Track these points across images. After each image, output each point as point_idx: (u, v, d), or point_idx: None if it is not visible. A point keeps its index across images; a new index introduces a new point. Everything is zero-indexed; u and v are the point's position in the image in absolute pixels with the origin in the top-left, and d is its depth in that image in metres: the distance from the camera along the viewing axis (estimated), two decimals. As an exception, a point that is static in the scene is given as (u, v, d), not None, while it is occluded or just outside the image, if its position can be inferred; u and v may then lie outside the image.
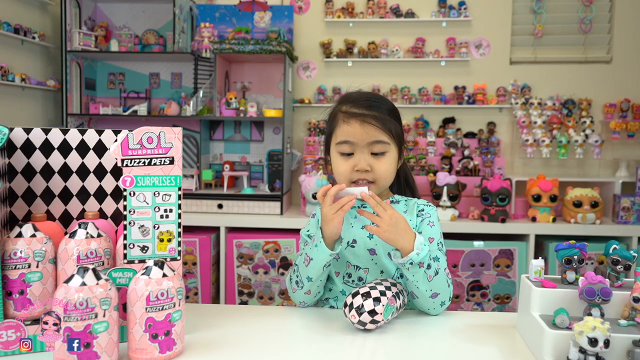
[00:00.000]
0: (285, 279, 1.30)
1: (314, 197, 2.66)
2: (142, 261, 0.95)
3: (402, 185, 1.33)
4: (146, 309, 0.84)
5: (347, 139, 1.17)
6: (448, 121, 3.13)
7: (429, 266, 1.08)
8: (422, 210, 1.22)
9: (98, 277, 0.82)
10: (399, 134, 1.20)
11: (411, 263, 1.06)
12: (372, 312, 1.00)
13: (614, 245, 0.98)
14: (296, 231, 2.68)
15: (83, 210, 1.04)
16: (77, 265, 0.91)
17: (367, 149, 1.17)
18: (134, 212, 0.94)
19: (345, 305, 1.03)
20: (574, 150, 2.98)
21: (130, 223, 0.94)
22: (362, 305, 1.00)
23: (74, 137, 1.03)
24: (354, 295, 1.03)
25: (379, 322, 1.01)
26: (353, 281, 1.20)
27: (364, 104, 1.19)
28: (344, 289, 1.21)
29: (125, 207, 0.94)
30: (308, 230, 1.26)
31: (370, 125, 1.16)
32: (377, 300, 1.01)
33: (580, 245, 0.99)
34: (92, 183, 1.04)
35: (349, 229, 1.21)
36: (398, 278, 1.19)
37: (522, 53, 3.16)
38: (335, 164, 1.22)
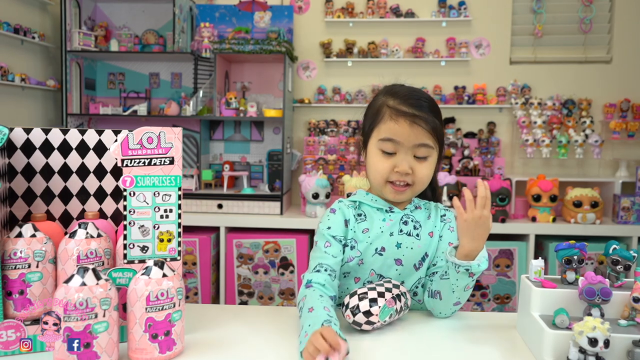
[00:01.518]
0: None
1: (314, 197, 2.66)
2: (142, 261, 0.95)
3: (426, 188, 1.25)
4: (146, 309, 0.84)
5: (392, 137, 1.11)
6: (448, 121, 3.12)
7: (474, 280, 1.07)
8: (444, 215, 1.22)
9: (98, 277, 0.82)
10: (442, 139, 1.16)
11: (466, 269, 1.03)
12: (367, 313, 1.00)
13: (614, 245, 0.98)
14: (296, 231, 2.68)
15: (83, 210, 1.04)
16: (77, 265, 0.91)
17: (411, 151, 1.12)
18: (134, 212, 0.94)
19: (342, 304, 1.03)
20: (574, 150, 2.98)
21: (130, 223, 0.94)
22: (357, 306, 1.00)
23: (74, 137, 1.03)
24: (352, 295, 1.03)
25: (375, 323, 1.01)
26: None
27: (415, 103, 1.12)
28: None
29: (125, 207, 0.94)
30: (329, 228, 1.14)
31: (420, 128, 1.10)
32: (373, 301, 1.01)
33: (580, 245, 0.99)
34: (92, 183, 1.04)
35: (379, 235, 1.15)
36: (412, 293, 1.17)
37: (522, 53, 3.16)
38: (372, 161, 1.15)
